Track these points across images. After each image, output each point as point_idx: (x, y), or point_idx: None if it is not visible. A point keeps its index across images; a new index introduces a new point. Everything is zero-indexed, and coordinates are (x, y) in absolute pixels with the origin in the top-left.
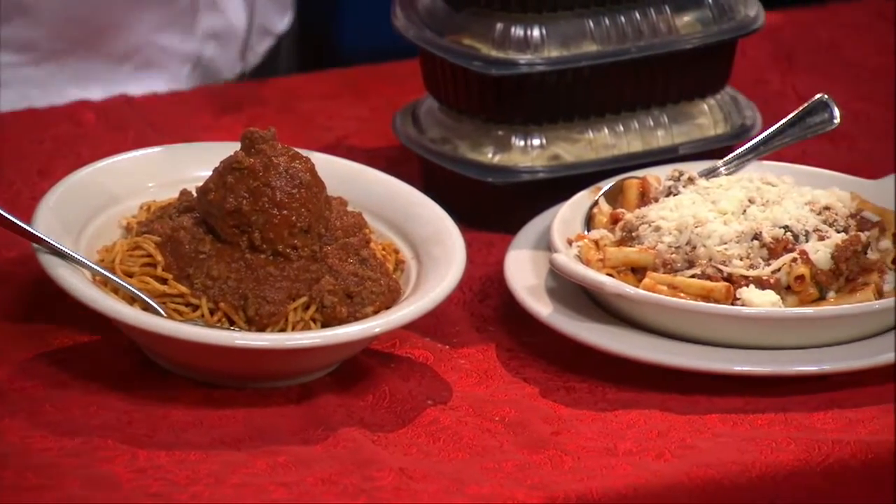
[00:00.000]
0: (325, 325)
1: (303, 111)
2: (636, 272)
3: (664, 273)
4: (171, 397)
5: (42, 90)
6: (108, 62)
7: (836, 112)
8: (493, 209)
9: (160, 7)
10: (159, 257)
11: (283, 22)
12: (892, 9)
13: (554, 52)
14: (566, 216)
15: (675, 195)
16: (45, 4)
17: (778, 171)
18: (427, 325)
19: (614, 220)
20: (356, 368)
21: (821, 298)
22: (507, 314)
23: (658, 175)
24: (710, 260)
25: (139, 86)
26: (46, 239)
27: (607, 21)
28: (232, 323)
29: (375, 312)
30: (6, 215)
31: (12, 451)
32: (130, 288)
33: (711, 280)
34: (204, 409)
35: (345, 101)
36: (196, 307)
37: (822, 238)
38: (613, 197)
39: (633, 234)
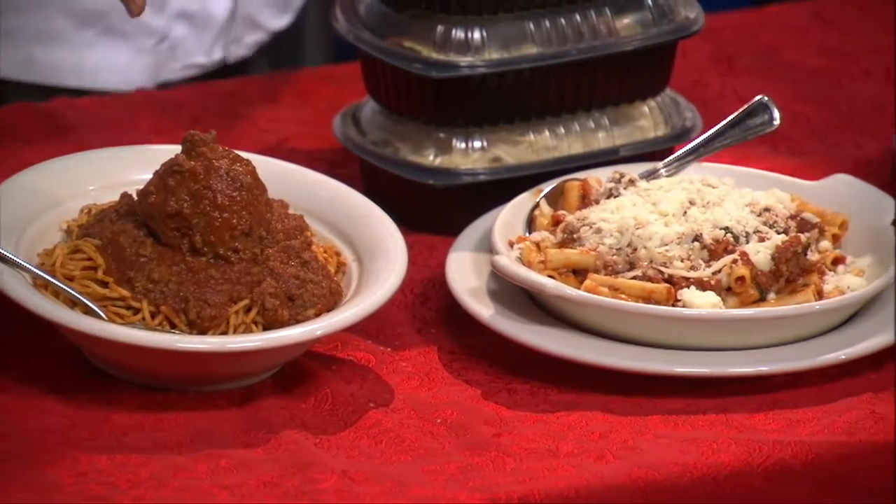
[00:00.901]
0: (266, 328)
1: (244, 114)
2: (577, 274)
3: (605, 275)
4: (113, 401)
5: (4, 47)
6: (72, 22)
7: (776, 114)
8: (434, 211)
9: None
10: (100, 260)
11: (280, 20)
12: (830, 10)
13: (495, 55)
14: (507, 218)
15: (615, 197)
16: None
17: (718, 173)
18: (369, 327)
19: (555, 221)
20: (298, 371)
21: (761, 299)
22: (448, 316)
23: (599, 177)
24: (651, 261)
25: (102, 51)
26: None
27: (548, 23)
28: (173, 326)
29: (317, 315)
30: None
31: None
32: (71, 291)
33: (652, 281)
34: (145, 412)
35: (286, 104)
36: (137, 310)
37: (762, 239)
38: (554, 199)
39: (575, 235)
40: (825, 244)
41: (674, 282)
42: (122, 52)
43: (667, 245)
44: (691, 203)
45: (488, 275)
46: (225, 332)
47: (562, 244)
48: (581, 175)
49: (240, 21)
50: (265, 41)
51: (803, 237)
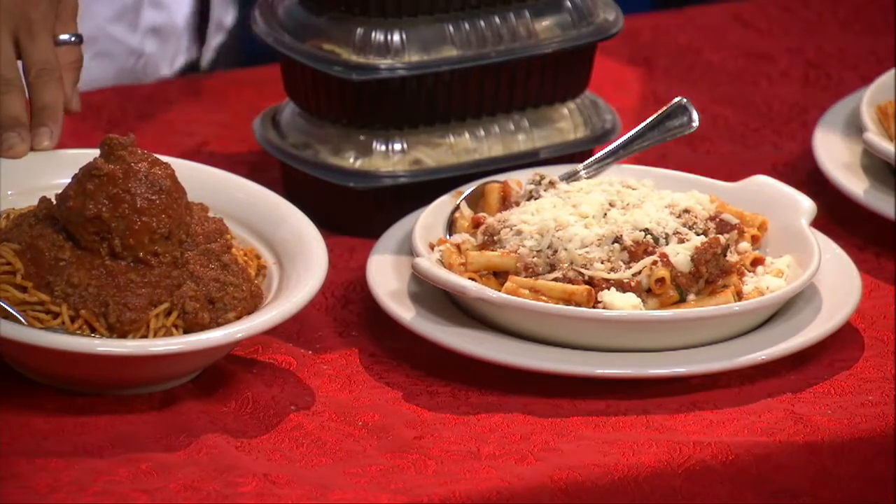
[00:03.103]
0: (187, 332)
1: (163, 117)
2: (498, 276)
3: (526, 277)
4: (32, 405)
5: None
6: None
7: (695, 115)
8: (354, 214)
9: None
10: (19, 265)
11: (230, 15)
12: (748, 12)
13: (414, 57)
14: (428, 221)
15: (536, 199)
16: None
17: (638, 175)
18: (290, 330)
19: (476, 224)
20: (219, 374)
21: (681, 301)
22: (369, 319)
23: (519, 179)
24: (572, 263)
25: (94, 71)
26: None
27: (467, 26)
28: (93, 330)
29: (238, 318)
30: None
31: None
32: None
33: (573, 283)
34: (65, 416)
35: (205, 107)
36: (57, 315)
37: (682, 241)
38: (475, 201)
39: (495, 238)
40: (744, 245)
41: (594, 283)
42: (110, 72)
43: (587, 247)
44: (611, 205)
45: (409, 277)
46: (145, 336)
47: (482, 246)
48: (501, 177)
49: (212, 26)
50: (224, 41)
51: (723, 238)
